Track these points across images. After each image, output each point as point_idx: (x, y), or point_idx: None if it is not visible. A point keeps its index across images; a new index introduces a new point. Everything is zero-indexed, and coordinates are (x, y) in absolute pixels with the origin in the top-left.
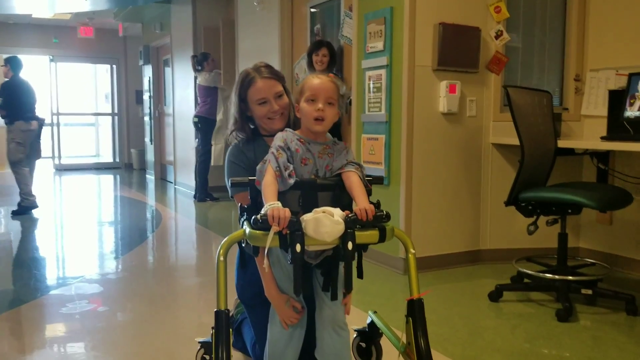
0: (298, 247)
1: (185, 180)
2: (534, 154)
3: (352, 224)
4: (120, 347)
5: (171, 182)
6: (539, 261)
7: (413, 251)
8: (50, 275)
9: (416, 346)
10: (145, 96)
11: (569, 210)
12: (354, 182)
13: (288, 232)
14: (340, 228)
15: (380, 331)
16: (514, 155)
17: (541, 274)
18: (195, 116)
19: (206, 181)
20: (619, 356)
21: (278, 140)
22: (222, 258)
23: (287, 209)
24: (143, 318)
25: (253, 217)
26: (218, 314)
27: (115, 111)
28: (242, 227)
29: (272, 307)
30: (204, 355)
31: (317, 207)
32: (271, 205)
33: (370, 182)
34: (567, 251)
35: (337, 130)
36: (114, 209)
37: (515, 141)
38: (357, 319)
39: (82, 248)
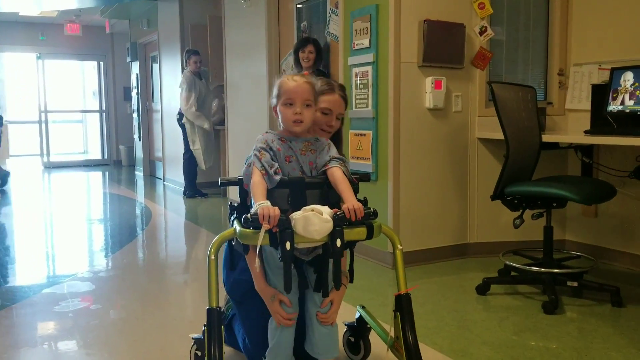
0: (288, 245)
1: (174, 177)
2: (519, 148)
3: (341, 221)
4: (114, 345)
5: (160, 179)
6: (526, 254)
7: (400, 247)
8: (42, 274)
9: (404, 340)
10: (133, 93)
11: (554, 204)
12: (338, 177)
13: (278, 230)
14: (329, 226)
15: (369, 326)
16: (499, 150)
17: (528, 267)
18: (178, 113)
19: (194, 177)
20: (604, 347)
21: (258, 142)
22: (212, 257)
23: (276, 208)
24: (135, 315)
25: (243, 216)
26: (210, 311)
27: (103, 108)
28: (232, 225)
29: None
30: (197, 351)
31: (306, 205)
32: (260, 204)
33: (358, 180)
34: (552, 244)
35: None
36: (104, 206)
37: (500, 136)
38: (346, 313)
39: (73, 246)
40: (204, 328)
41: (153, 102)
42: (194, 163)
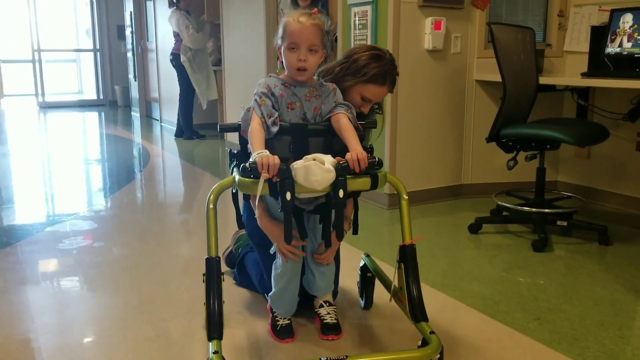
0: (288, 195)
1: (170, 117)
2: (516, 90)
3: (344, 171)
4: (117, 280)
5: (157, 120)
6: (518, 195)
7: (406, 197)
8: (44, 213)
9: (407, 291)
10: (127, 31)
11: (548, 146)
12: (343, 124)
13: (278, 179)
14: (331, 176)
15: (369, 274)
16: (497, 92)
17: (519, 207)
18: (171, 54)
19: (191, 119)
20: (589, 282)
21: (260, 87)
22: (211, 205)
23: (276, 157)
24: (137, 252)
25: (242, 165)
26: (209, 261)
27: (97, 47)
28: (232, 173)
29: None
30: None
31: (308, 153)
32: (259, 153)
33: (364, 127)
34: (544, 185)
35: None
36: (101, 147)
37: (498, 78)
38: (350, 255)
39: (73, 186)
40: (203, 277)
41: (148, 41)
42: (190, 105)
